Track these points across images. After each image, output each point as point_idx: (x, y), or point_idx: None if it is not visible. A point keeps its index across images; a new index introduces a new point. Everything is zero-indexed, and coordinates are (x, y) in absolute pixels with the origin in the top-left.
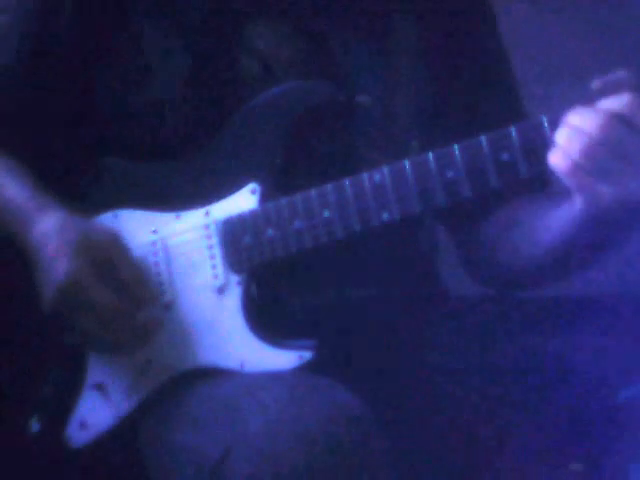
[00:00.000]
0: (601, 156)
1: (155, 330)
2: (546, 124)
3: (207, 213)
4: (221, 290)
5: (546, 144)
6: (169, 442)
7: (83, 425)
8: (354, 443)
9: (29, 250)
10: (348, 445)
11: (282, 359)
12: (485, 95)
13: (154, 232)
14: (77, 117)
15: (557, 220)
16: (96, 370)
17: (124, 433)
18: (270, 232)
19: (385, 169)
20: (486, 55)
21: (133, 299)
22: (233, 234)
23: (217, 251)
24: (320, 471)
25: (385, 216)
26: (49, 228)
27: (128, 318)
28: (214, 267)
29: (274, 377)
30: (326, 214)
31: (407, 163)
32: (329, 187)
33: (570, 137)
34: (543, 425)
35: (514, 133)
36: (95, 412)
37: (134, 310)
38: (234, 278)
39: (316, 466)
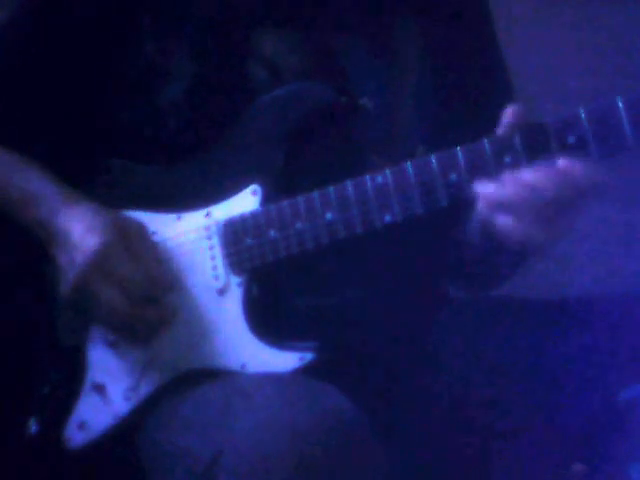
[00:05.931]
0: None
1: (169, 319)
2: (549, 128)
3: (208, 214)
4: (222, 291)
5: (548, 146)
6: (163, 444)
7: (82, 426)
8: (344, 445)
9: (53, 235)
10: (338, 447)
11: (283, 360)
12: (486, 98)
13: (154, 233)
14: (79, 118)
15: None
16: (95, 371)
17: (123, 434)
18: (272, 233)
19: (387, 171)
20: (487, 59)
21: (155, 281)
22: (234, 235)
23: (218, 252)
24: (310, 472)
25: (387, 218)
26: (79, 212)
27: (151, 298)
28: (215, 268)
29: (267, 379)
30: (328, 216)
31: (409, 165)
32: (331, 189)
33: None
34: (544, 425)
35: (516, 137)
36: (94, 413)
37: (157, 292)
38: (235, 279)
39: (306, 468)
